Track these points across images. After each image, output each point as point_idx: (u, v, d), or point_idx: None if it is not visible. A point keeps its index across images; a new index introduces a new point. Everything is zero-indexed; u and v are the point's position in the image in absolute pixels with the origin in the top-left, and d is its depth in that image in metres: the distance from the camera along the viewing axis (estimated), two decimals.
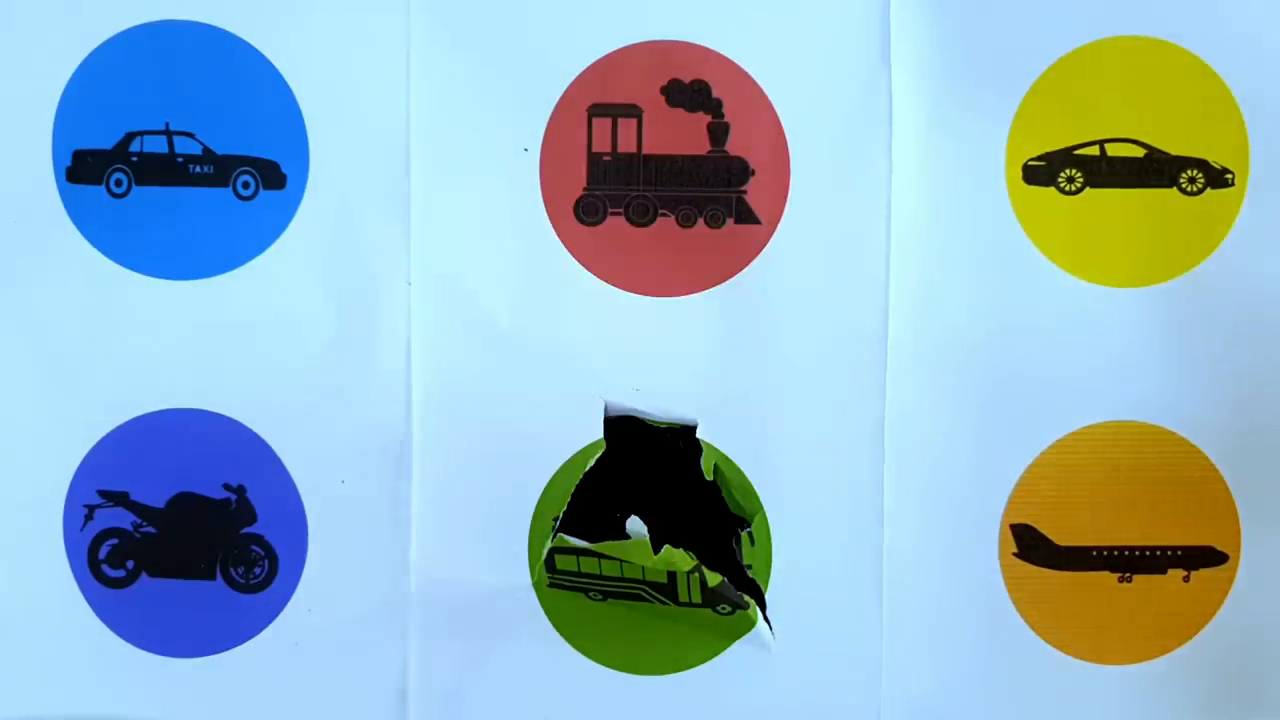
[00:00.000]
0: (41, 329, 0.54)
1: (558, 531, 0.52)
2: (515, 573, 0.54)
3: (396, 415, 0.53)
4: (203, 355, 0.54)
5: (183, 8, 0.53)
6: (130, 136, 0.53)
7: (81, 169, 0.53)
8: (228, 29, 0.53)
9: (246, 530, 0.54)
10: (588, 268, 0.53)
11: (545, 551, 0.53)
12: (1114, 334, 0.53)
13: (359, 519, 0.54)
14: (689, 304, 0.53)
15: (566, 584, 0.53)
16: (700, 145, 0.53)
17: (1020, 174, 0.53)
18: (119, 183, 0.53)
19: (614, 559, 0.52)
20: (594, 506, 0.53)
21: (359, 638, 0.54)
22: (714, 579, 0.52)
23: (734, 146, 0.53)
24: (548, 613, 0.54)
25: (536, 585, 0.54)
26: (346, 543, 0.54)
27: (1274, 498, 0.54)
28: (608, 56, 0.52)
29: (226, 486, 0.54)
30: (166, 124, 0.53)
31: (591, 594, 0.54)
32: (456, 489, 0.54)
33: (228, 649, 0.55)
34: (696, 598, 0.53)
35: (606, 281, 0.53)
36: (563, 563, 0.53)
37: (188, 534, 0.54)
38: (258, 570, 0.54)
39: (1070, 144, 0.53)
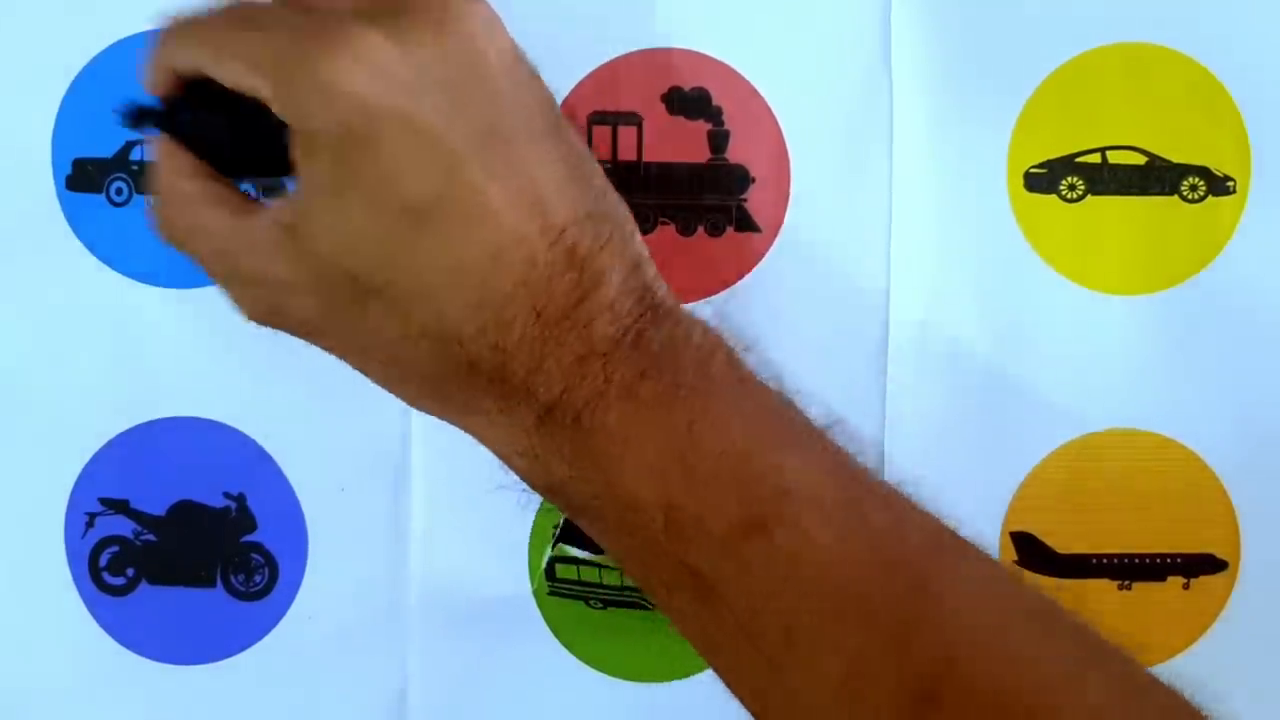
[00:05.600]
0: (42, 337, 0.53)
1: (557, 541, 0.52)
2: (515, 581, 0.54)
3: (396, 422, 0.53)
4: (202, 363, 0.53)
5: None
6: (130, 145, 0.53)
7: (81, 177, 0.53)
8: None
9: (246, 538, 0.54)
10: None
11: (545, 561, 0.53)
12: (1115, 341, 0.53)
13: (359, 526, 0.54)
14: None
15: (566, 592, 0.53)
16: (700, 153, 0.53)
17: (1022, 181, 0.53)
18: (119, 191, 0.53)
19: (614, 568, 0.52)
20: None
21: (359, 645, 0.54)
22: None
23: (734, 154, 0.53)
24: (547, 620, 0.54)
25: (536, 593, 0.54)
26: (346, 550, 0.54)
27: (1273, 505, 0.54)
28: (608, 64, 0.52)
29: (226, 495, 0.54)
30: None
31: (592, 602, 0.54)
32: (456, 496, 0.54)
33: (228, 656, 0.55)
34: None
35: None
36: (563, 571, 0.53)
37: (188, 541, 0.54)
38: (258, 578, 0.54)
39: (1072, 151, 0.53)
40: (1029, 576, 0.42)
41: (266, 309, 0.39)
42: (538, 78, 0.39)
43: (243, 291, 0.39)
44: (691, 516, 0.35)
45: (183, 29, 0.37)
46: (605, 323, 0.36)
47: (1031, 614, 0.36)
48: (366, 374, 0.39)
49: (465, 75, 0.36)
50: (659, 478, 0.36)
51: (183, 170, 0.38)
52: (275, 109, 0.35)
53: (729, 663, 0.37)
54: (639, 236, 0.39)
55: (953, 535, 0.38)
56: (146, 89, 0.38)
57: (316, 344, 0.40)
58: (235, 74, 0.35)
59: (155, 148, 0.38)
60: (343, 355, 0.39)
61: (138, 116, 0.39)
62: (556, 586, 0.53)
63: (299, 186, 0.36)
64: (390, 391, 0.40)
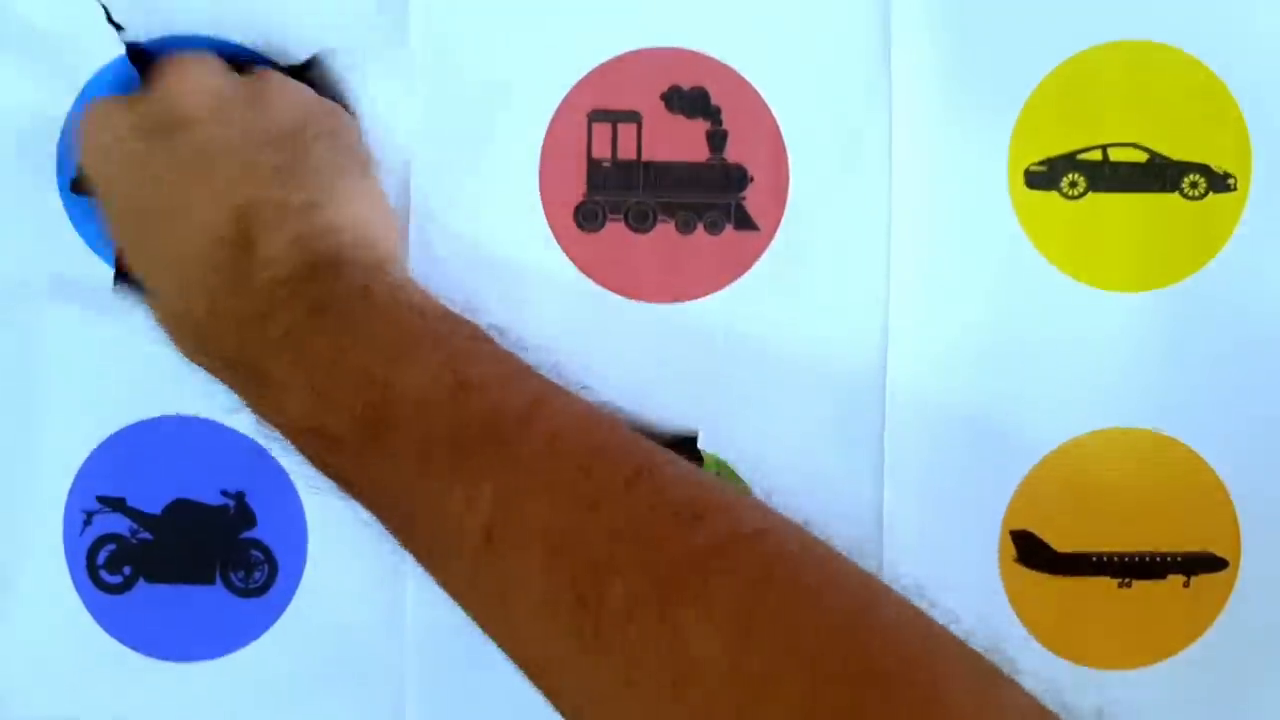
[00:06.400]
0: (39, 335, 0.53)
1: None
2: None
3: None
4: None
5: (189, 21, 0.52)
6: None
7: (83, 180, 0.52)
8: (231, 38, 0.52)
9: (246, 535, 0.54)
10: (587, 273, 0.53)
11: None
12: (1115, 339, 0.53)
13: (358, 523, 0.53)
14: (688, 310, 0.53)
15: None
16: (699, 152, 0.52)
17: (1023, 178, 0.53)
18: None
19: None
20: None
21: (358, 642, 0.54)
22: None
23: (733, 154, 0.52)
24: None
25: None
26: (346, 546, 0.54)
27: (1274, 504, 0.54)
28: (608, 63, 0.52)
29: (225, 492, 0.54)
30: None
31: None
32: None
33: (227, 653, 0.55)
34: None
35: (605, 287, 0.53)
36: None
37: (186, 539, 0.54)
38: (257, 575, 0.54)
39: (1073, 149, 0.52)
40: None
41: None
42: (285, 98, 0.50)
43: None
44: (330, 434, 0.43)
45: None
46: (265, 290, 0.45)
47: (593, 450, 0.41)
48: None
49: (169, 117, 0.48)
50: (309, 407, 0.43)
51: None
52: None
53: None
54: (332, 210, 0.47)
55: (553, 389, 0.44)
56: None
57: None
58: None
59: None
60: None
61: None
62: None
63: None
64: None
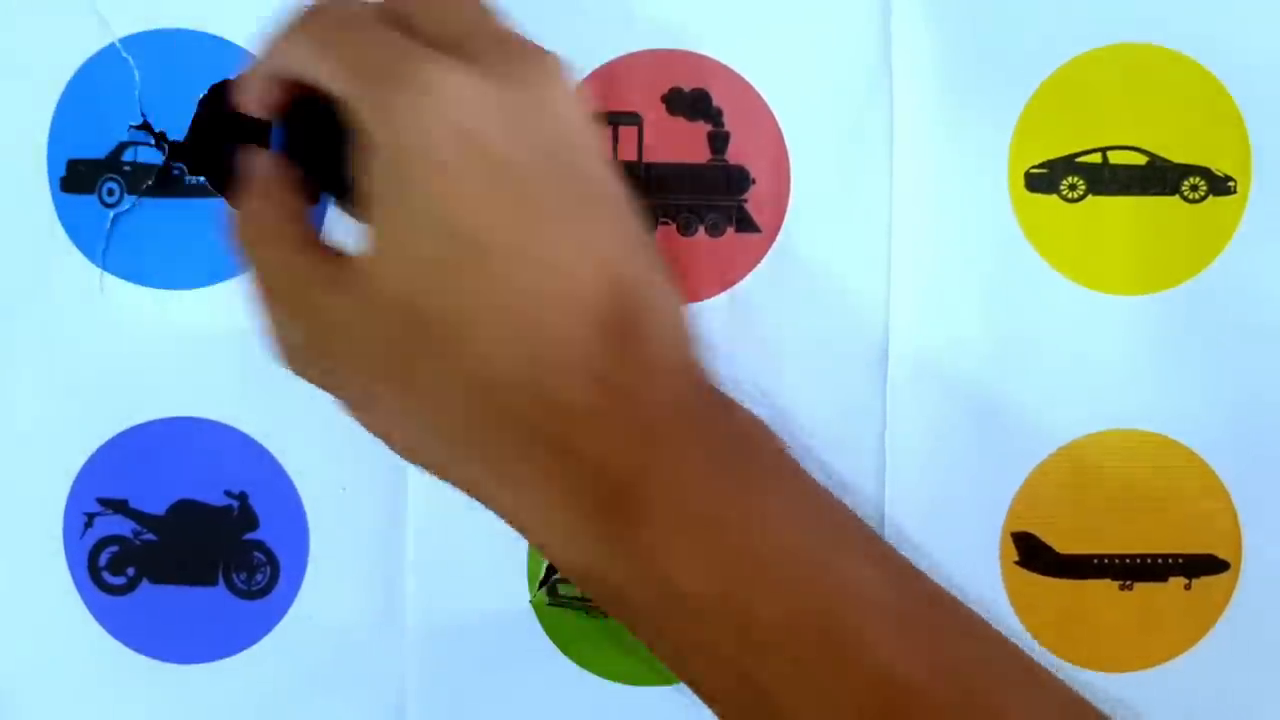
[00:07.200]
0: (38, 339, 0.53)
1: None
2: (514, 579, 0.54)
3: None
4: (201, 364, 0.53)
5: (178, 15, 0.52)
6: (123, 146, 0.52)
7: (74, 178, 0.53)
8: (222, 36, 0.52)
9: (248, 536, 0.54)
10: None
11: (543, 571, 0.53)
12: (1116, 341, 0.53)
13: (359, 526, 0.54)
14: (689, 312, 0.53)
15: (567, 604, 0.53)
16: (700, 154, 0.52)
17: (1023, 181, 0.53)
18: (110, 192, 0.52)
19: None
20: None
21: (359, 644, 0.54)
22: None
23: (734, 155, 0.52)
24: (546, 628, 0.54)
25: (535, 605, 0.54)
26: (347, 549, 0.54)
27: (1275, 506, 0.54)
28: (608, 65, 0.52)
29: (228, 494, 0.54)
30: (162, 132, 0.52)
31: (592, 612, 0.54)
32: (455, 496, 0.53)
33: (230, 655, 0.55)
34: None
35: None
36: (565, 589, 0.53)
37: (189, 540, 0.54)
38: (260, 576, 0.54)
39: (1073, 151, 0.52)
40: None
41: (313, 350, 0.38)
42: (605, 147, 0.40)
43: (293, 326, 0.37)
44: (751, 616, 0.33)
45: (293, 31, 0.37)
46: (670, 400, 0.34)
47: None
48: (390, 434, 0.39)
49: (556, 126, 0.36)
50: (705, 573, 0.33)
51: (290, 214, 0.38)
52: (366, 119, 0.34)
53: None
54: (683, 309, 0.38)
55: (1025, 662, 0.37)
56: (253, 104, 0.39)
57: (345, 396, 0.39)
58: (337, 79, 0.35)
59: (269, 176, 0.39)
60: (369, 410, 0.39)
61: (237, 133, 0.40)
62: (557, 600, 0.53)
63: (374, 226, 0.35)
64: (413, 457, 0.39)
